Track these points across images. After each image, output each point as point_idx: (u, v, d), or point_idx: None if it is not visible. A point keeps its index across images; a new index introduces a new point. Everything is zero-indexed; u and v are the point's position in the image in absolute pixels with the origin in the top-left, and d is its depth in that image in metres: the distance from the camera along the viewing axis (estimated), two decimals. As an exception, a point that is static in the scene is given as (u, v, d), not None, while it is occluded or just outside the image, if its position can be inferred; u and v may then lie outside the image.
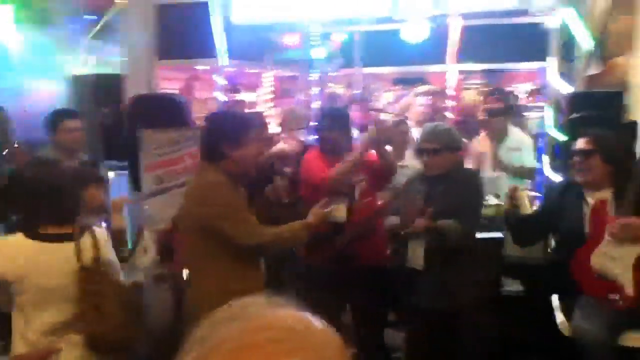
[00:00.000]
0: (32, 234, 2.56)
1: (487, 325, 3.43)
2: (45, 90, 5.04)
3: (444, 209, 3.23)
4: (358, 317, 3.76)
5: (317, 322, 0.75)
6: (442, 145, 3.31)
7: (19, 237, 2.57)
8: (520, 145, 5.02)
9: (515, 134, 5.15)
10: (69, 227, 2.61)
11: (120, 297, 2.71)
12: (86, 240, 2.62)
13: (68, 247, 2.57)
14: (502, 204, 4.38)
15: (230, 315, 0.75)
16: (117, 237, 3.15)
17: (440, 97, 6.27)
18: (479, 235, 3.64)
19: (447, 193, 3.28)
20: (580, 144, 3.23)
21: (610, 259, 2.92)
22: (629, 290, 2.87)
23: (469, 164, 4.40)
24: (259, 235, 2.84)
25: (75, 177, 2.92)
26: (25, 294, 2.53)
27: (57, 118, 4.16)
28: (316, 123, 3.93)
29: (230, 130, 2.86)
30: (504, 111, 5.29)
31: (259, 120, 4.67)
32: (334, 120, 3.67)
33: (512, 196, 3.29)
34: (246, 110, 6.31)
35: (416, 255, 3.33)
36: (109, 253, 2.76)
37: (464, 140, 4.60)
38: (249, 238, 2.81)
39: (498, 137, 5.05)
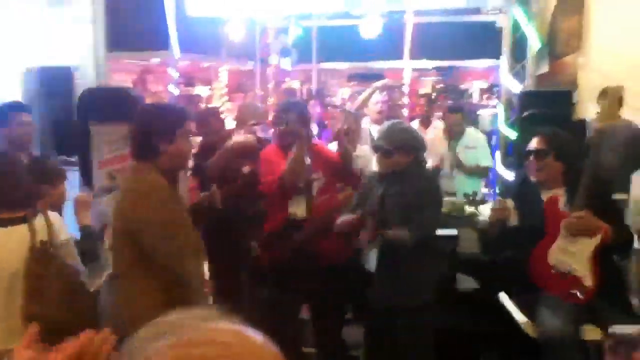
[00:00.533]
0: None
1: (442, 322, 3.46)
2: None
3: (397, 209, 3.19)
4: (317, 314, 3.75)
5: (253, 336, 0.72)
6: (395, 146, 3.21)
7: None
8: (475, 144, 5.10)
9: (471, 132, 5.22)
10: (21, 212, 2.58)
11: (68, 280, 2.63)
12: (40, 222, 2.59)
13: (23, 230, 2.54)
14: (457, 201, 4.45)
15: (160, 330, 0.71)
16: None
17: (398, 91, 6.31)
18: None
19: (401, 194, 3.23)
20: (534, 143, 3.23)
21: (567, 253, 2.97)
22: (589, 282, 2.93)
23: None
24: (179, 261, 2.49)
25: (42, 174, 2.93)
26: None
27: (7, 111, 4.00)
28: (274, 118, 3.87)
29: (162, 124, 2.57)
30: (460, 108, 5.37)
31: (216, 117, 4.58)
32: (292, 115, 3.61)
33: (503, 207, 3.19)
34: (202, 105, 6.21)
35: (372, 253, 3.32)
36: (63, 235, 2.71)
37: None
38: (167, 259, 2.48)
39: (455, 135, 5.11)
